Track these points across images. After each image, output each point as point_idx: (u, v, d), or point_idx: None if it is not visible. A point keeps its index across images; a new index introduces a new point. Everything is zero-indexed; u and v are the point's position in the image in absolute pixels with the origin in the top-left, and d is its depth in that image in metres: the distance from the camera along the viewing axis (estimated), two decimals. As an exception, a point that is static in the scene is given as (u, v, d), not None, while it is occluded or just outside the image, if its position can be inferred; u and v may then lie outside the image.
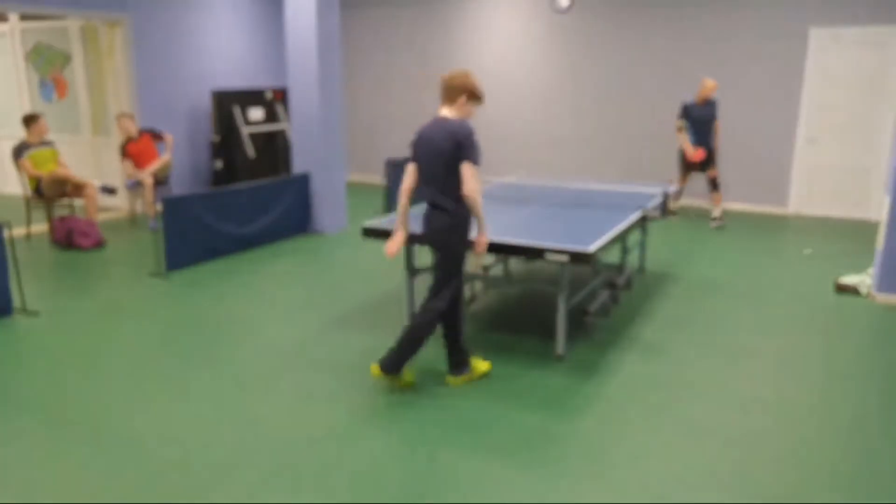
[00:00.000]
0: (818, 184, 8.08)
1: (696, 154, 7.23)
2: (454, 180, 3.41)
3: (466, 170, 3.37)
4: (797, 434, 3.26)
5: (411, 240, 4.05)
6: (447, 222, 3.47)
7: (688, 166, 7.50)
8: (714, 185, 7.39)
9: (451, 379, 3.75)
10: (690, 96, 7.42)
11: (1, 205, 8.45)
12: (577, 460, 3.02)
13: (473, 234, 3.69)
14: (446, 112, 3.49)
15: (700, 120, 7.30)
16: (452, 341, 3.71)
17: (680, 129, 7.32)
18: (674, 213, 7.99)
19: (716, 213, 7.48)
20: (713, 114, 7.31)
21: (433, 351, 4.16)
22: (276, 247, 6.72)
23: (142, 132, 7.45)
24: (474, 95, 3.49)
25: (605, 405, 3.52)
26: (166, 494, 2.77)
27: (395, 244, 3.67)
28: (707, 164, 7.40)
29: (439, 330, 4.13)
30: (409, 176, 3.60)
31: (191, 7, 8.52)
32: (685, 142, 7.30)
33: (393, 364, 3.57)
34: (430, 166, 3.47)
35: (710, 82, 7.17)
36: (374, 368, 3.59)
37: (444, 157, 3.38)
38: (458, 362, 3.74)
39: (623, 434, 3.24)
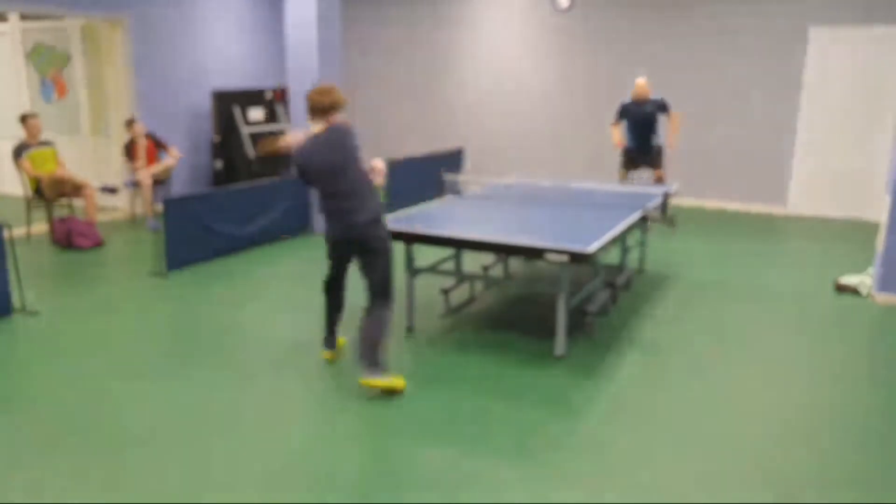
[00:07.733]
0: (817, 184, 8.08)
1: (618, 142, 6.98)
2: (357, 180, 3.59)
3: (375, 163, 3.75)
4: (797, 434, 3.26)
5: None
6: (370, 217, 3.58)
7: (627, 163, 7.12)
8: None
9: (364, 380, 3.61)
10: (629, 97, 7.01)
11: (1, 205, 8.45)
12: (577, 460, 3.03)
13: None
14: (320, 128, 3.60)
15: (637, 119, 6.95)
16: (377, 341, 3.61)
17: (613, 125, 7.03)
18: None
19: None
20: (653, 112, 6.91)
21: (430, 353, 4.16)
22: (276, 247, 6.72)
23: (147, 136, 7.51)
24: (343, 107, 3.63)
25: (604, 405, 3.52)
26: (165, 494, 2.77)
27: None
28: (652, 162, 7.05)
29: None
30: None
31: (191, 7, 8.51)
32: (615, 132, 7.02)
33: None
34: (334, 178, 3.57)
35: (639, 81, 6.88)
36: (325, 353, 4.02)
37: (342, 166, 3.56)
38: (377, 361, 3.60)
39: (623, 434, 3.24)
